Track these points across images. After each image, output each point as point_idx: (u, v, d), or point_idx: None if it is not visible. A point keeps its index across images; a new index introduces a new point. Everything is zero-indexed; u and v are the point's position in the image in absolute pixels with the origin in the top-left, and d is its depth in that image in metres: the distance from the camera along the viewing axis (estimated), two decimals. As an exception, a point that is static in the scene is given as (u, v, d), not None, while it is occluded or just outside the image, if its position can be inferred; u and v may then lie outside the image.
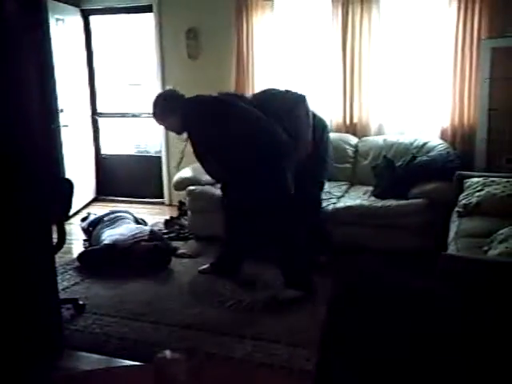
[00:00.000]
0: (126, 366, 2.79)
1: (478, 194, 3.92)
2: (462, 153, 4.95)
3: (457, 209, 3.95)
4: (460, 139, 5.12)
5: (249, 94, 5.37)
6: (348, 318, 1.46)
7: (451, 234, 3.61)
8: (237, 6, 5.65)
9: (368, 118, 5.48)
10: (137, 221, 5.14)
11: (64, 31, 6.02)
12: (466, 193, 4.05)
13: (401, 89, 5.50)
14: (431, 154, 4.83)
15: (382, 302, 1.40)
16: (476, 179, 4.18)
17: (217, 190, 4.99)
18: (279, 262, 3.91)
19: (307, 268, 3.91)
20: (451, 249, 3.33)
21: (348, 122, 5.52)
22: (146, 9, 6.23)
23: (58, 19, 5.87)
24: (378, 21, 5.27)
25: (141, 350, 3.20)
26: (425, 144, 5.02)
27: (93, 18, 6.59)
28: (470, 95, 5.03)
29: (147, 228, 4.81)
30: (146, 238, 4.55)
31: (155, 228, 5.18)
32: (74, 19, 6.30)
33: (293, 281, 3.84)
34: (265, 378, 1.59)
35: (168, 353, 1.12)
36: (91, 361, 3.13)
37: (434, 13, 5.18)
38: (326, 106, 5.43)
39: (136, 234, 4.58)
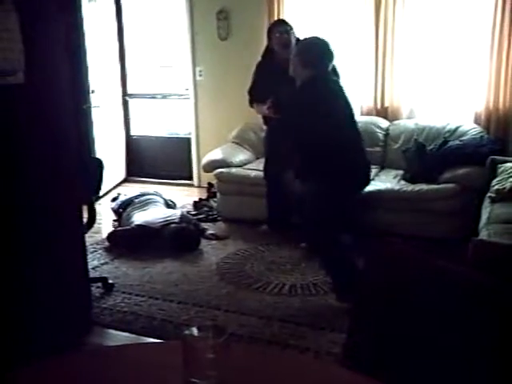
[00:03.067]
0: (154, 342, 2.82)
1: (511, 179, 3.84)
2: (496, 138, 4.84)
3: (489, 194, 3.87)
4: (494, 124, 4.99)
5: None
6: (377, 302, 1.44)
7: (483, 220, 3.55)
8: (268, -14, 5.59)
9: (399, 101, 5.39)
10: (167, 203, 5.17)
11: (96, 12, 6.04)
12: (499, 178, 3.97)
13: (433, 72, 5.39)
14: (464, 138, 4.74)
15: (412, 286, 1.38)
16: (510, 164, 4.09)
17: (245, 172, 4.99)
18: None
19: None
20: (483, 234, 3.27)
21: (379, 105, 5.44)
22: (177, -11, 6.21)
23: (90, 0, 5.89)
24: (412, 1, 5.16)
25: (168, 329, 3.23)
26: (457, 128, 4.92)
27: (124, -1, 6.60)
28: (507, 78, 4.89)
29: (178, 212, 4.83)
30: (176, 220, 4.57)
31: (184, 210, 5.21)
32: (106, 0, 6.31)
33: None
34: (291, 359, 1.59)
35: (195, 330, 1.12)
36: (119, 338, 3.18)
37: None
38: (357, 90, 5.36)
39: (167, 217, 4.61)
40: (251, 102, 4.56)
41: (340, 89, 3.63)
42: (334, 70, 3.82)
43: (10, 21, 2.30)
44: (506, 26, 4.81)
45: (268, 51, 4.58)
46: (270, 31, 4.54)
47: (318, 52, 3.51)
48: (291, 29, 4.35)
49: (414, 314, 1.35)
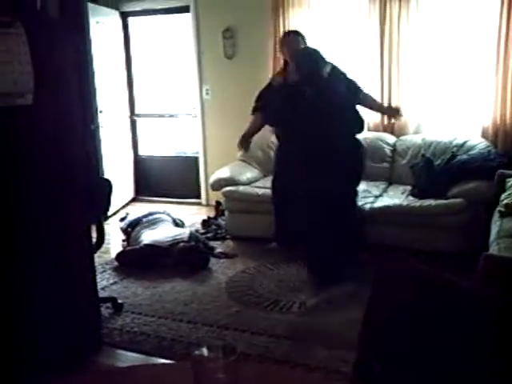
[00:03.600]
0: (164, 363, 2.81)
1: (520, 193, 3.82)
2: (503, 151, 4.83)
3: (498, 208, 3.85)
4: (502, 138, 4.98)
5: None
6: (386, 319, 1.43)
7: (492, 235, 3.52)
8: (273, 5, 5.64)
9: (406, 116, 5.39)
10: (175, 222, 5.18)
11: (103, 33, 6.12)
12: (507, 192, 3.95)
13: (440, 86, 5.41)
14: (471, 152, 4.73)
15: (422, 302, 1.38)
16: (519, 178, 4.07)
17: (253, 190, 5.00)
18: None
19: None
20: (493, 249, 3.25)
21: (386, 121, 5.45)
22: (184, 9, 6.28)
23: (97, 22, 5.97)
24: (417, 16, 5.18)
25: (178, 349, 3.22)
26: (465, 142, 4.92)
27: (131, 20, 6.68)
28: (514, 92, 4.90)
29: (187, 231, 4.83)
30: (185, 239, 4.57)
31: (193, 229, 5.21)
32: (113, 21, 6.40)
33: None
34: (301, 378, 1.58)
35: (205, 350, 1.12)
36: (129, 359, 3.17)
37: (476, 5, 5.06)
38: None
39: (175, 236, 4.62)
40: (255, 110, 4.67)
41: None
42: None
43: (20, 44, 2.33)
44: (510, 39, 4.82)
45: (284, 65, 4.67)
46: (281, 43, 4.64)
47: None
48: (302, 38, 4.46)
49: (425, 331, 1.34)
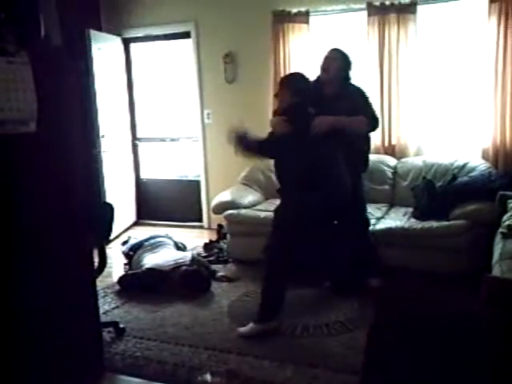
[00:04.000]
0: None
1: (522, 214, 3.82)
2: (504, 172, 4.84)
3: (500, 230, 3.85)
4: (502, 159, 5.01)
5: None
6: (389, 343, 1.43)
7: (495, 256, 3.51)
8: (273, 30, 5.72)
9: (406, 139, 5.43)
10: (177, 245, 5.17)
11: (105, 59, 6.19)
12: (509, 213, 3.95)
13: (440, 108, 5.45)
14: (472, 174, 4.75)
15: (424, 326, 1.38)
16: (520, 199, 4.08)
17: (255, 213, 5.00)
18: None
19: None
20: (495, 271, 3.24)
21: (386, 143, 5.48)
22: (184, 35, 6.36)
23: (99, 48, 6.04)
24: (415, 39, 5.25)
25: (180, 373, 3.20)
26: (465, 164, 4.94)
27: (133, 46, 6.76)
28: (513, 114, 4.93)
29: (189, 254, 4.83)
30: (187, 263, 4.57)
31: (195, 253, 5.21)
32: (115, 47, 6.47)
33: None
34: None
35: (209, 376, 1.12)
36: (131, 384, 3.15)
37: (473, 29, 5.13)
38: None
39: (177, 259, 4.61)
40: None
41: None
42: None
43: (24, 72, 2.36)
44: (508, 62, 4.88)
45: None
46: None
47: None
48: (340, 55, 4.28)
49: (428, 352, 1.34)
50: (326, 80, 4.12)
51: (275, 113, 4.07)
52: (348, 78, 4.21)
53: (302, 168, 3.69)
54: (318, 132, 3.68)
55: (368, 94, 4.27)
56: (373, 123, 4.04)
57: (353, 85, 4.24)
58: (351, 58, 4.24)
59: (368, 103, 4.16)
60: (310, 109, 3.80)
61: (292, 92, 3.80)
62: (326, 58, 4.20)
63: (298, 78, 3.98)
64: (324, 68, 4.15)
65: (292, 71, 4.34)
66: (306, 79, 3.95)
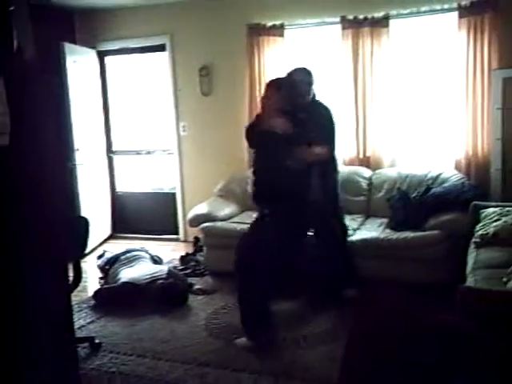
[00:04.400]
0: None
1: (494, 224, 3.88)
2: (477, 183, 4.93)
3: (474, 239, 3.91)
4: (474, 170, 5.10)
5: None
6: (366, 355, 1.44)
7: (469, 266, 3.56)
8: (248, 43, 5.75)
9: (381, 150, 5.49)
10: (153, 259, 5.14)
11: (80, 71, 6.15)
12: (482, 223, 4.01)
13: (413, 120, 5.53)
14: (446, 184, 4.81)
15: (400, 337, 1.39)
16: (492, 209, 4.14)
17: (231, 225, 4.99)
18: None
19: None
20: (469, 280, 3.29)
21: (361, 155, 5.53)
22: (160, 48, 6.35)
23: (74, 61, 6.01)
24: (388, 52, 5.33)
25: (157, 388, 3.17)
26: (439, 175, 5.01)
27: (108, 59, 6.73)
28: (483, 125, 5.03)
29: (165, 268, 4.80)
30: (163, 276, 4.54)
31: (171, 266, 5.18)
32: (90, 60, 6.44)
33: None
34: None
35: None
36: (108, 400, 3.11)
37: (444, 43, 5.24)
38: (339, 140, 5.44)
39: (154, 273, 4.58)
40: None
41: None
42: None
43: (-4, 86, 2.34)
44: (477, 75, 4.99)
45: None
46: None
47: None
48: (310, 75, 4.21)
49: (405, 364, 1.35)
50: (303, 104, 4.05)
51: (260, 115, 3.97)
52: (315, 95, 4.22)
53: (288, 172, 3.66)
54: (304, 162, 3.70)
55: (334, 116, 4.28)
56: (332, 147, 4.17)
57: (319, 102, 4.24)
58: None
59: (334, 131, 4.22)
60: (301, 114, 3.82)
61: (281, 93, 3.78)
62: (301, 83, 4.10)
63: (284, 80, 4.02)
64: (302, 94, 4.07)
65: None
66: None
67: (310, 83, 4.14)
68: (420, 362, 1.35)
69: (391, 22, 5.28)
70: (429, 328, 1.40)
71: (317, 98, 4.24)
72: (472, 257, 3.67)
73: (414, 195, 4.81)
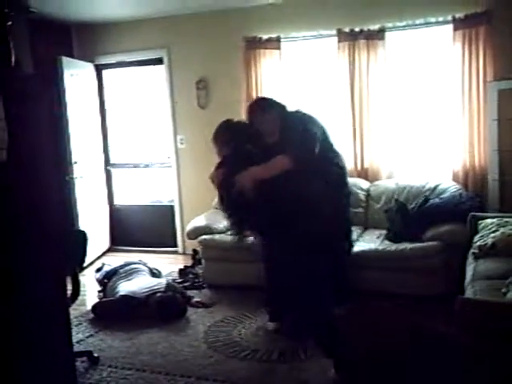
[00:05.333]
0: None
1: (492, 235, 3.89)
2: (474, 194, 4.94)
3: (472, 250, 3.91)
4: (472, 181, 5.11)
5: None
6: (361, 365, 1.44)
7: (468, 277, 3.57)
8: (245, 56, 5.78)
9: (379, 162, 5.50)
10: (152, 272, 5.13)
11: (78, 85, 6.17)
12: (480, 234, 4.02)
13: (410, 132, 5.55)
14: (444, 196, 4.82)
15: (397, 351, 1.39)
16: (490, 220, 4.15)
17: (230, 238, 4.97)
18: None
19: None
20: (468, 292, 3.29)
21: (359, 166, 5.54)
22: (157, 61, 6.38)
23: (72, 74, 6.03)
24: (385, 64, 5.36)
25: (156, 402, 3.15)
26: (437, 186, 5.02)
27: (105, 72, 6.76)
28: (480, 137, 5.05)
29: (163, 281, 4.78)
30: (162, 289, 4.53)
31: (170, 279, 5.17)
32: (88, 73, 6.46)
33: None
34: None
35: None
36: (106, 415, 3.09)
37: (439, 55, 5.27)
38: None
39: (152, 286, 4.57)
40: None
41: None
42: None
43: (-6, 101, 2.35)
44: (473, 87, 5.02)
45: None
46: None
47: None
48: (275, 111, 3.77)
49: (403, 378, 1.35)
50: (272, 139, 3.70)
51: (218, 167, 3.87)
52: (286, 118, 3.73)
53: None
54: (243, 189, 3.45)
55: (311, 121, 3.72)
56: (299, 154, 3.48)
57: (294, 116, 3.76)
58: (278, 101, 3.84)
59: (296, 133, 3.58)
60: (248, 146, 3.64)
61: (225, 143, 3.77)
62: (267, 122, 3.68)
63: (223, 127, 3.93)
64: (268, 133, 3.69)
65: (220, 123, 4.09)
66: (236, 123, 3.91)
67: (274, 119, 3.68)
68: (417, 374, 1.35)
69: (387, 34, 5.32)
70: (426, 340, 1.40)
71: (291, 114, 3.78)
72: (470, 268, 3.68)
73: (412, 206, 4.81)
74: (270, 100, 3.90)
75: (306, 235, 3.35)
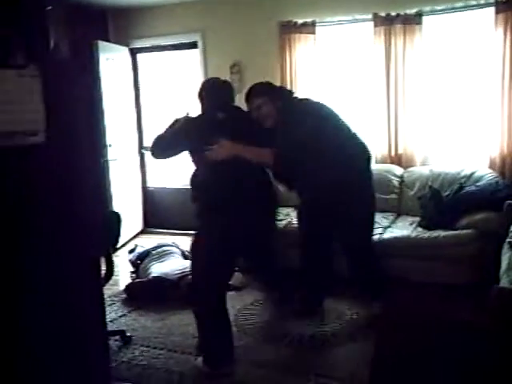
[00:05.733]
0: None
1: (529, 224, 3.82)
2: (511, 182, 4.84)
3: (508, 240, 3.84)
4: (509, 168, 5.01)
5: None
6: (395, 353, 1.43)
7: (503, 266, 3.50)
8: (280, 41, 5.75)
9: (413, 148, 5.43)
10: (184, 254, 5.18)
11: (113, 69, 6.23)
12: (517, 223, 3.95)
13: (446, 117, 5.46)
14: (479, 183, 4.74)
15: (430, 340, 1.38)
16: (527, 209, 4.07)
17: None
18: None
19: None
20: (503, 282, 3.23)
21: (393, 152, 5.48)
22: (191, 45, 6.40)
23: (107, 58, 6.09)
24: (421, 49, 5.27)
25: (186, 382, 3.20)
26: (473, 173, 4.93)
27: (140, 56, 6.81)
28: (520, 122, 4.94)
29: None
30: (193, 272, 4.57)
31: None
32: (123, 57, 6.51)
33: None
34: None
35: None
36: (138, 393, 3.16)
37: (479, 39, 5.14)
38: (370, 137, 5.41)
39: (184, 268, 4.62)
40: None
41: None
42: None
43: (34, 84, 2.39)
44: (515, 72, 4.89)
45: None
46: None
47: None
48: (263, 96, 3.73)
49: (434, 369, 1.34)
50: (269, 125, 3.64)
51: None
52: (289, 105, 3.69)
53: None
54: (214, 158, 3.34)
55: (313, 111, 3.69)
56: (280, 155, 3.41)
57: (294, 106, 3.72)
58: (274, 88, 3.80)
59: (286, 129, 3.53)
60: (219, 114, 3.49)
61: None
62: (254, 109, 3.68)
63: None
64: (260, 119, 3.65)
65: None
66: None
67: (260, 105, 3.65)
68: (449, 364, 1.34)
69: (424, 18, 5.22)
70: (458, 329, 1.39)
71: (290, 99, 3.79)
72: (506, 257, 3.61)
73: (446, 194, 4.75)
74: (262, 86, 3.81)
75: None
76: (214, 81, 3.84)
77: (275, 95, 3.70)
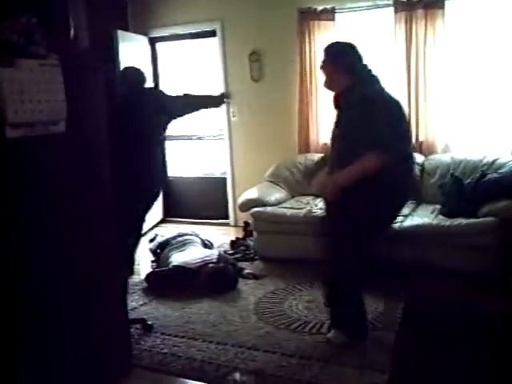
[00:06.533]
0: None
1: (553, 212, 3.76)
2: (535, 169, 4.76)
3: (531, 228, 3.80)
4: (533, 155, 4.93)
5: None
6: (418, 342, 1.43)
7: (525, 255, 3.47)
8: (299, 28, 5.71)
9: (434, 135, 5.37)
10: (204, 243, 5.21)
11: (132, 58, 6.23)
12: (540, 211, 3.89)
13: (468, 104, 5.38)
14: (502, 170, 4.67)
15: (453, 329, 1.37)
16: (551, 197, 4.01)
17: (281, 210, 5.00)
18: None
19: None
20: (526, 270, 3.20)
21: (414, 140, 5.42)
22: (210, 34, 6.39)
23: (126, 47, 6.10)
24: (443, 35, 5.18)
25: (208, 370, 3.22)
26: (495, 160, 4.86)
27: (159, 45, 6.82)
28: (543, 110, 4.85)
29: (215, 252, 4.85)
30: (214, 260, 4.59)
31: (222, 250, 5.24)
32: (142, 46, 6.53)
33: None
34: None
35: (237, 375, 1.13)
36: (159, 380, 3.18)
37: (502, 24, 5.05)
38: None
39: (204, 257, 4.64)
40: None
41: None
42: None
43: (54, 74, 2.41)
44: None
45: None
46: None
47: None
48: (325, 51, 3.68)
49: (456, 354, 1.33)
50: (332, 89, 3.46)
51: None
52: (354, 71, 3.37)
53: None
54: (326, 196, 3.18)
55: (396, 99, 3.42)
56: (390, 150, 3.01)
57: (369, 84, 3.34)
58: (339, 46, 3.59)
59: (377, 120, 3.08)
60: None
61: None
62: (323, 67, 3.55)
63: None
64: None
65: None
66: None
67: (326, 65, 3.53)
68: (473, 354, 1.33)
69: (446, 3, 5.13)
70: (482, 319, 1.37)
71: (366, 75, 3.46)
72: (529, 245, 3.58)
73: (467, 181, 4.69)
74: (334, 44, 3.69)
75: None
76: None
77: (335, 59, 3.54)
